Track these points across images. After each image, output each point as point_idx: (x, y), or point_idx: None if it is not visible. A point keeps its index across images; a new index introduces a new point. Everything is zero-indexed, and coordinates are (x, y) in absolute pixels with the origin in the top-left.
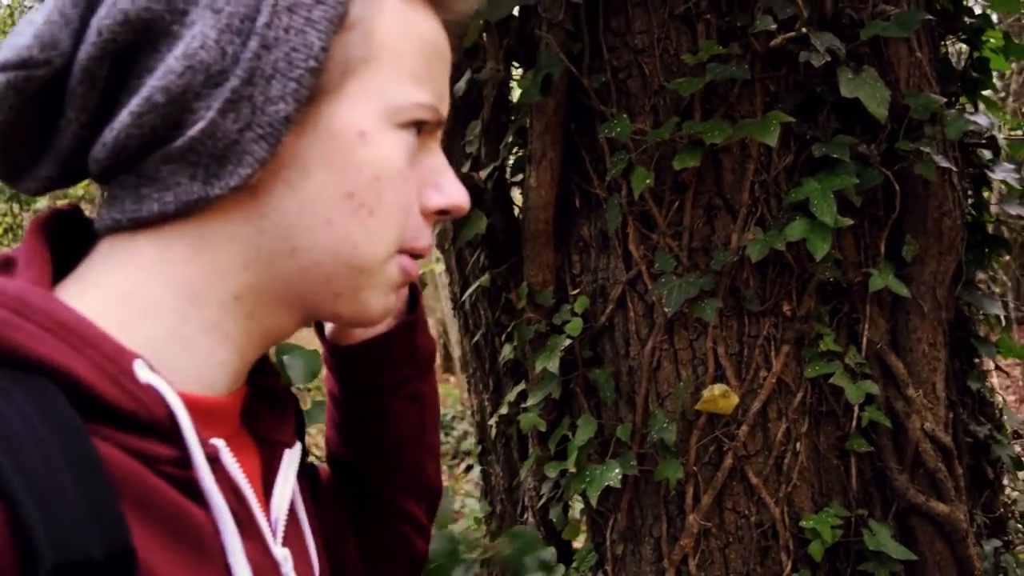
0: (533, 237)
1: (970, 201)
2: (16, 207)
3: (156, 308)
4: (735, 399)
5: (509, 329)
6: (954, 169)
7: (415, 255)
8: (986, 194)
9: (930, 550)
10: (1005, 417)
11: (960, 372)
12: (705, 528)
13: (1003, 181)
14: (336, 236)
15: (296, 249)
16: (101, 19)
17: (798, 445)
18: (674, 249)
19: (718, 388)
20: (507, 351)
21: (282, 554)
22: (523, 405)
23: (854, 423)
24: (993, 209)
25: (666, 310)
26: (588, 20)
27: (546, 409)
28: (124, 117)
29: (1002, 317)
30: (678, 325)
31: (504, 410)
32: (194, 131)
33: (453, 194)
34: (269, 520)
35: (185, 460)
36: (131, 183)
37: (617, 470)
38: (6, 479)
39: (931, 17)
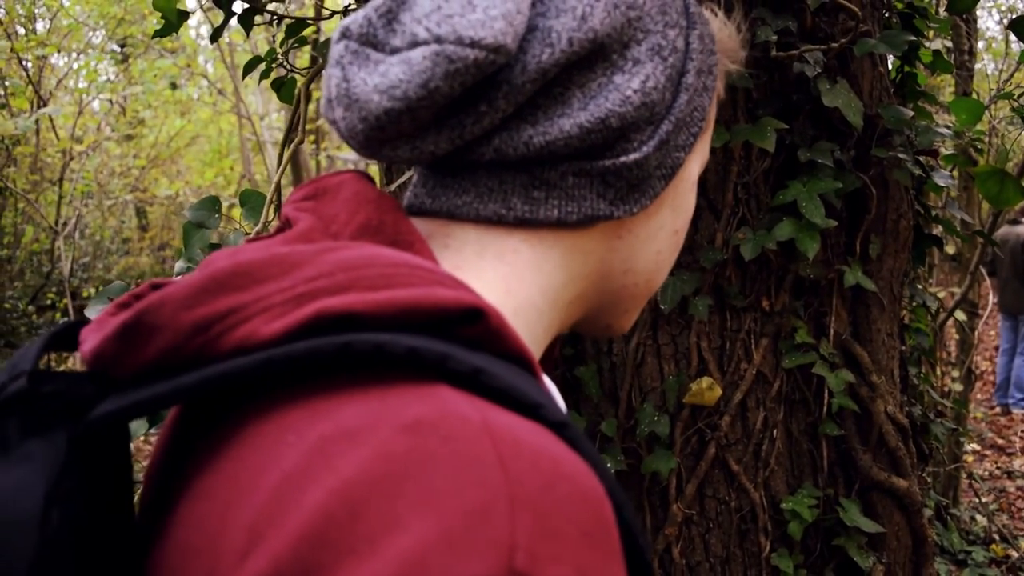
0: None
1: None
2: None
3: (526, 307)
4: (719, 391)
5: None
6: (923, 175)
7: None
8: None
9: (889, 523)
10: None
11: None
12: (687, 516)
13: (942, 186)
14: (658, 264)
15: (629, 271)
16: (572, 31)
17: (775, 432)
18: None
19: (705, 381)
20: None
21: None
22: None
23: (824, 409)
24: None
25: (663, 307)
26: None
27: None
28: (568, 127)
29: (931, 309)
30: (661, 321)
31: None
32: (627, 158)
33: None
34: None
35: None
36: (520, 182)
37: (609, 465)
38: (609, 481)
39: (914, 38)
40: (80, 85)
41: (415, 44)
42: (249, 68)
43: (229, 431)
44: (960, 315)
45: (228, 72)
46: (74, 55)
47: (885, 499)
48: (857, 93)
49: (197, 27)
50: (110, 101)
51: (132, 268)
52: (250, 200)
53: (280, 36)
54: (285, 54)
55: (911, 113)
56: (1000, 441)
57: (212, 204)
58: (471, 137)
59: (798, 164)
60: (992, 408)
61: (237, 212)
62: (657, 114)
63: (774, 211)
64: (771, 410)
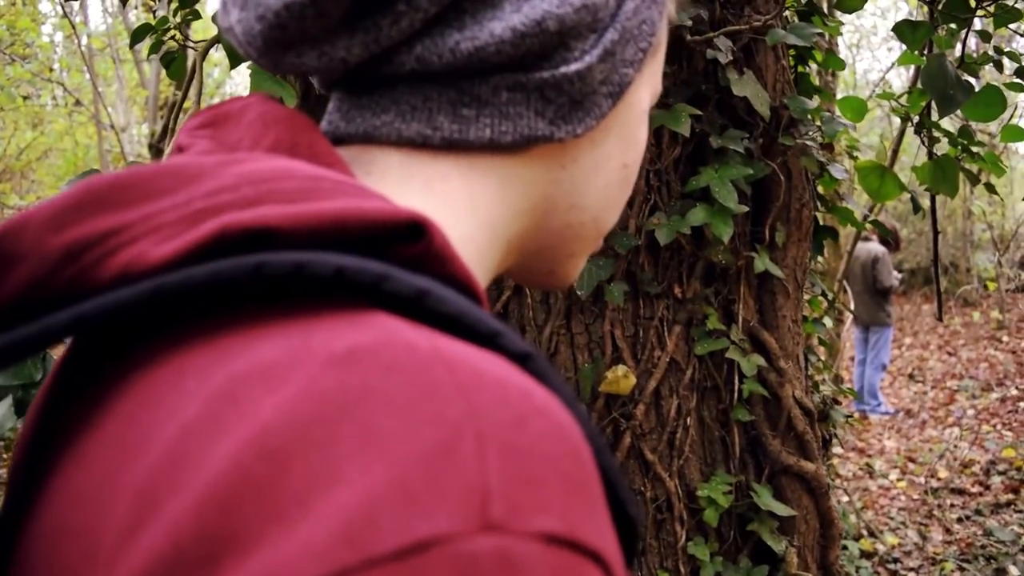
0: None
1: None
2: None
3: (465, 243)
4: (633, 379)
5: None
6: (823, 165)
7: None
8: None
9: (798, 505)
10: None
11: None
12: None
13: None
14: (606, 200)
15: (574, 206)
16: None
17: (688, 420)
18: None
19: (620, 369)
20: None
21: None
22: None
23: (735, 395)
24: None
25: (579, 292)
26: None
27: None
28: (499, 31)
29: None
30: (575, 310)
31: None
32: (568, 69)
33: None
34: None
35: None
36: (446, 98)
37: None
38: (585, 422)
39: (820, 31)
40: None
41: None
42: (138, 37)
43: (113, 382)
44: (828, 322)
45: (86, 79)
46: None
47: (794, 483)
48: (762, 85)
49: (52, 33)
50: None
51: None
52: None
53: (156, 16)
54: (179, 26)
55: (814, 104)
56: (860, 444)
57: (90, 176)
58: (389, 43)
59: (707, 152)
60: (851, 414)
61: None
62: (600, 20)
63: (686, 197)
64: (684, 398)
